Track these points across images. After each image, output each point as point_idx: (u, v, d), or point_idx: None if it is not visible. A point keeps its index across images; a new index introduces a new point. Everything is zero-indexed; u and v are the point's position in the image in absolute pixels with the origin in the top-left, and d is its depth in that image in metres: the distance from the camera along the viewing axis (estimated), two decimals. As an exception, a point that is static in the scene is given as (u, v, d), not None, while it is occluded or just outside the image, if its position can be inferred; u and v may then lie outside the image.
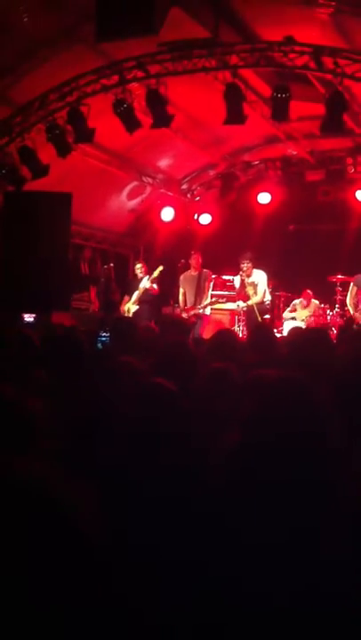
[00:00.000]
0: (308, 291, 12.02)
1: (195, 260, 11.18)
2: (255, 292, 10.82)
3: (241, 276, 10.90)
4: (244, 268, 10.84)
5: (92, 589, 1.19)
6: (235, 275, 11.69)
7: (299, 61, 8.61)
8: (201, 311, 11.00)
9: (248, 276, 10.85)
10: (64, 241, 10.62)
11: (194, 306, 11.06)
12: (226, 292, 12.09)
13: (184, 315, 11.05)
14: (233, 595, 1.37)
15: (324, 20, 8.34)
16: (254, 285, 10.85)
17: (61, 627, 1.06)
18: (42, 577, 1.05)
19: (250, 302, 10.78)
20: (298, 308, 12.09)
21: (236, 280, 11.10)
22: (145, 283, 11.28)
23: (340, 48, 8.53)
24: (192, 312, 10.98)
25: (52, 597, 1.08)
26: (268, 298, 11.13)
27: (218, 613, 1.38)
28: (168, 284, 11.57)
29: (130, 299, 11.42)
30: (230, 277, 12.01)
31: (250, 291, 10.79)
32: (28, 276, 10.04)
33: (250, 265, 10.85)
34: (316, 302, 12.01)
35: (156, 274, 11.15)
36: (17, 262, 10.23)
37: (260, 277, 10.92)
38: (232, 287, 11.94)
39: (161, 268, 11.17)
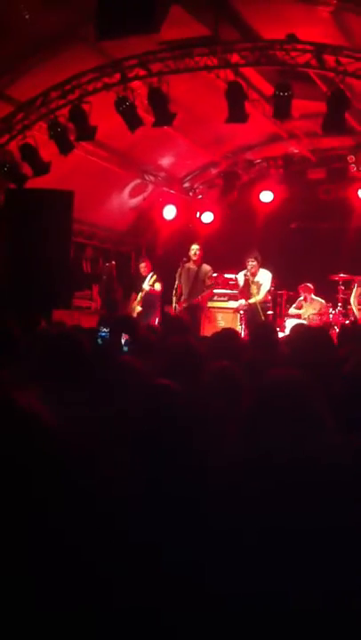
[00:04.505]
0: (308, 284, 11.87)
1: (195, 251, 11.07)
2: (258, 292, 10.79)
3: (245, 275, 10.86)
4: (250, 267, 10.79)
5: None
6: (237, 273, 11.67)
7: (301, 59, 8.59)
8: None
9: (253, 275, 10.81)
10: (66, 239, 10.61)
11: (186, 299, 10.96)
12: (228, 291, 12.06)
13: (175, 307, 10.96)
14: (233, 596, 1.37)
15: (326, 18, 8.32)
16: (258, 285, 10.82)
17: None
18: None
19: (251, 300, 10.74)
20: (303, 304, 11.99)
21: (240, 277, 11.04)
22: (145, 285, 11.30)
23: (341, 46, 8.51)
24: (184, 305, 10.88)
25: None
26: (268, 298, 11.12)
27: (218, 614, 1.38)
28: (170, 283, 11.56)
29: (137, 297, 11.45)
30: (233, 276, 11.98)
31: (253, 290, 10.76)
32: (30, 274, 10.04)
33: (256, 264, 10.81)
34: (322, 301, 11.88)
35: (150, 281, 11.18)
36: (18, 260, 10.23)
37: (264, 277, 10.87)
38: (234, 286, 11.91)
39: (154, 276, 11.21)
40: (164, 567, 1.53)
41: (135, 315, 11.10)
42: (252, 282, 10.75)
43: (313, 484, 1.43)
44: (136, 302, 11.36)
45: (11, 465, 1.33)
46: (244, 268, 10.94)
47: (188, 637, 1.42)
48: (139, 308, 11.27)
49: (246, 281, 10.82)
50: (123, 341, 5.07)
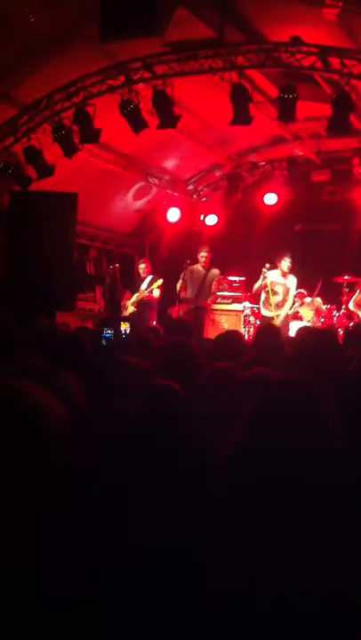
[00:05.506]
0: (301, 290, 11.67)
1: (203, 256, 11.12)
2: (285, 298, 10.70)
3: (264, 275, 10.68)
4: (285, 266, 10.68)
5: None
6: (241, 275, 11.67)
7: (305, 62, 8.60)
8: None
9: (284, 275, 10.75)
10: (69, 241, 10.64)
11: (193, 300, 11.01)
12: (232, 293, 12.05)
13: (183, 294, 10.92)
14: (233, 596, 1.36)
15: (331, 21, 8.32)
16: (287, 288, 10.76)
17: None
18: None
19: (280, 313, 10.66)
20: (300, 310, 11.91)
21: (272, 275, 10.80)
22: (144, 287, 11.29)
23: (346, 48, 8.52)
24: (191, 307, 10.94)
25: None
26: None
27: (218, 614, 1.37)
28: (173, 286, 11.56)
29: (132, 296, 11.45)
30: (236, 278, 11.98)
31: (279, 289, 10.66)
32: (34, 275, 10.06)
33: (290, 265, 10.73)
34: (316, 299, 11.80)
35: (154, 287, 11.17)
36: (22, 262, 10.25)
37: (293, 283, 10.83)
38: (238, 288, 11.93)
39: (160, 281, 11.19)
40: (164, 567, 1.53)
41: (128, 314, 11.12)
42: (280, 283, 10.67)
43: (316, 485, 1.42)
44: (130, 302, 11.33)
45: (16, 461, 1.33)
46: (262, 266, 10.77)
47: (188, 637, 1.42)
48: (132, 309, 11.25)
49: (270, 283, 10.67)
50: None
